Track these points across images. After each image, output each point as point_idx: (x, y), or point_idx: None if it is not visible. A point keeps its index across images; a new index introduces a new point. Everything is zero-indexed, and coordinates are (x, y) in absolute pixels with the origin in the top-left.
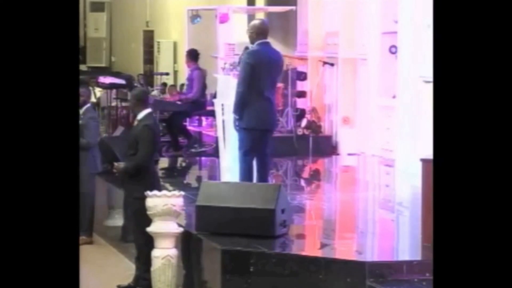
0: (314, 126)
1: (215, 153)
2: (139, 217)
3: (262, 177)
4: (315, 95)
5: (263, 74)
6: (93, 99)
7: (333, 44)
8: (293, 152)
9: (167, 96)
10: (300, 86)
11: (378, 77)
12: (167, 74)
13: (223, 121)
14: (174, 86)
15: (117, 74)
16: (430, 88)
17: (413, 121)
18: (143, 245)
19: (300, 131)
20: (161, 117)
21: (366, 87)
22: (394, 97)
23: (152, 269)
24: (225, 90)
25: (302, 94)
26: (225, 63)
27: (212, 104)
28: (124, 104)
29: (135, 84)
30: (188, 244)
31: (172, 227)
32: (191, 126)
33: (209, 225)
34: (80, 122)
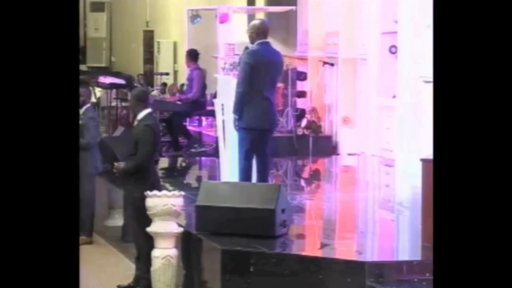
0: (314, 126)
1: (215, 153)
2: (139, 217)
3: (262, 177)
4: (315, 95)
5: (263, 74)
6: (93, 99)
7: (333, 44)
8: (293, 152)
9: (167, 96)
10: (300, 86)
11: (378, 77)
12: (167, 74)
13: (223, 121)
14: (174, 84)
15: (117, 74)
16: (430, 88)
17: (413, 121)
18: (143, 245)
19: (300, 131)
20: (161, 117)
21: (366, 87)
22: (394, 97)
23: (152, 269)
24: (225, 90)
25: (302, 94)
26: (225, 63)
27: (212, 104)
28: (124, 104)
29: (135, 84)
30: (188, 244)
31: (172, 227)
32: (191, 126)
33: (209, 225)
34: (80, 122)
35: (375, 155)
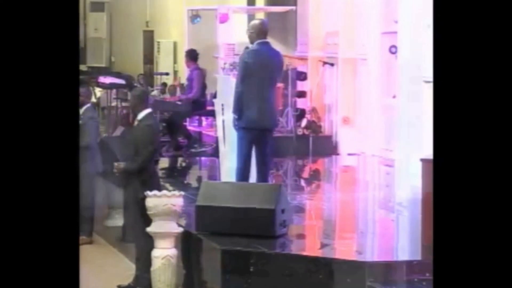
0: (314, 126)
1: (215, 153)
2: (139, 217)
3: (262, 177)
4: (315, 95)
5: (262, 74)
6: (93, 99)
7: (333, 44)
8: (293, 152)
9: (167, 96)
10: (300, 86)
11: (378, 77)
12: (167, 74)
13: (223, 121)
14: (176, 78)
15: (117, 74)
16: (430, 88)
17: (413, 121)
18: (143, 245)
19: (300, 131)
20: (161, 117)
21: (366, 87)
22: (394, 97)
23: (152, 269)
24: (225, 90)
25: (302, 94)
26: (225, 63)
27: (212, 104)
28: (124, 104)
29: (135, 84)
30: (188, 244)
31: (172, 227)
32: (191, 126)
33: (209, 225)
34: (80, 122)
35: (375, 155)
